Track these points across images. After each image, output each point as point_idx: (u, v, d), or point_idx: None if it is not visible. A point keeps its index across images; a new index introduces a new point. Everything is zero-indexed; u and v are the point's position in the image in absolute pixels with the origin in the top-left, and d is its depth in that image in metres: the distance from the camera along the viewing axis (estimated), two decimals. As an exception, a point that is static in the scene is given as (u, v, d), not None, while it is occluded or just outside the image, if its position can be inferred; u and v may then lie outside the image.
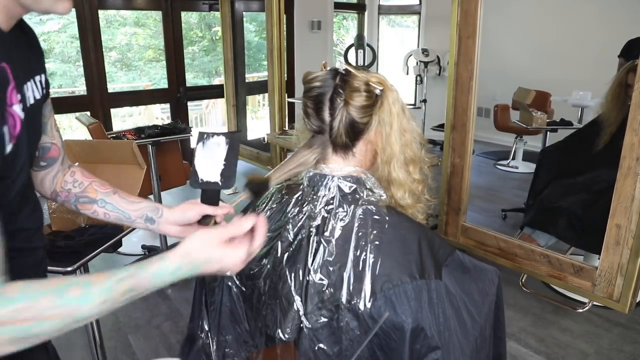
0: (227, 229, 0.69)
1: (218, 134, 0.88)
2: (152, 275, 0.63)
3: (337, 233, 0.90)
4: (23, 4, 0.62)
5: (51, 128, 0.86)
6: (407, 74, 5.80)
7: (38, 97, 0.74)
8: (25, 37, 0.75)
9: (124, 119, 6.40)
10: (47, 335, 0.56)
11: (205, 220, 0.89)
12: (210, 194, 0.88)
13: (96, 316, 0.60)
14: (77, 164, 0.95)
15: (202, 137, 0.88)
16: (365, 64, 5.64)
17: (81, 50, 3.84)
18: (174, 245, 0.67)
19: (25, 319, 0.53)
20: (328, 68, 0.96)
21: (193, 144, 4.40)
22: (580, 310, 2.24)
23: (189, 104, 4.72)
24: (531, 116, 3.81)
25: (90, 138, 2.57)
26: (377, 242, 0.88)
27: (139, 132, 2.86)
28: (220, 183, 0.85)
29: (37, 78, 0.75)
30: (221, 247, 0.67)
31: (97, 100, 3.96)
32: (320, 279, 0.87)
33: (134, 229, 1.88)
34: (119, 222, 0.91)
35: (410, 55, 5.70)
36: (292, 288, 0.88)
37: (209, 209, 0.87)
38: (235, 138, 0.88)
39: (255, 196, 0.87)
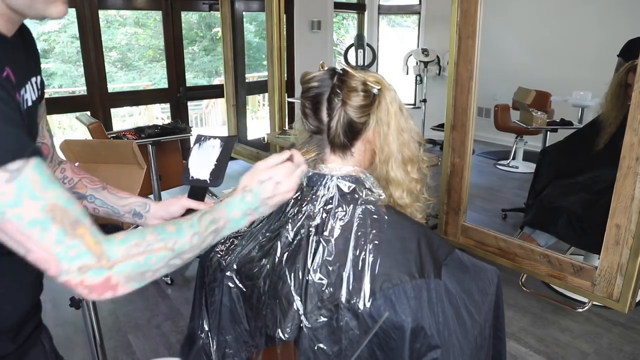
0: (268, 159, 0.77)
1: (215, 137, 0.93)
2: (225, 206, 0.73)
3: (337, 233, 0.90)
4: (17, 10, 0.63)
5: (42, 127, 0.87)
6: (407, 73, 5.79)
7: (34, 98, 0.75)
8: (24, 39, 0.75)
9: (124, 118, 6.41)
10: (155, 270, 0.63)
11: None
12: (198, 191, 0.93)
13: (192, 251, 0.68)
14: (77, 163, 0.96)
15: (200, 139, 0.94)
16: (365, 64, 5.63)
17: (81, 50, 3.84)
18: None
19: (137, 254, 0.60)
20: (326, 68, 0.96)
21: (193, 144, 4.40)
22: (580, 310, 2.23)
23: (189, 103, 4.72)
24: (531, 116, 3.81)
25: (91, 138, 2.57)
26: (376, 242, 0.88)
27: (139, 132, 2.86)
28: (208, 181, 0.91)
29: (34, 80, 0.75)
30: (268, 170, 0.76)
31: (97, 100, 3.96)
32: (320, 279, 0.87)
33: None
34: (108, 216, 0.94)
35: (410, 55, 5.70)
36: (292, 288, 0.88)
37: (192, 203, 0.92)
38: (230, 142, 0.93)
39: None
